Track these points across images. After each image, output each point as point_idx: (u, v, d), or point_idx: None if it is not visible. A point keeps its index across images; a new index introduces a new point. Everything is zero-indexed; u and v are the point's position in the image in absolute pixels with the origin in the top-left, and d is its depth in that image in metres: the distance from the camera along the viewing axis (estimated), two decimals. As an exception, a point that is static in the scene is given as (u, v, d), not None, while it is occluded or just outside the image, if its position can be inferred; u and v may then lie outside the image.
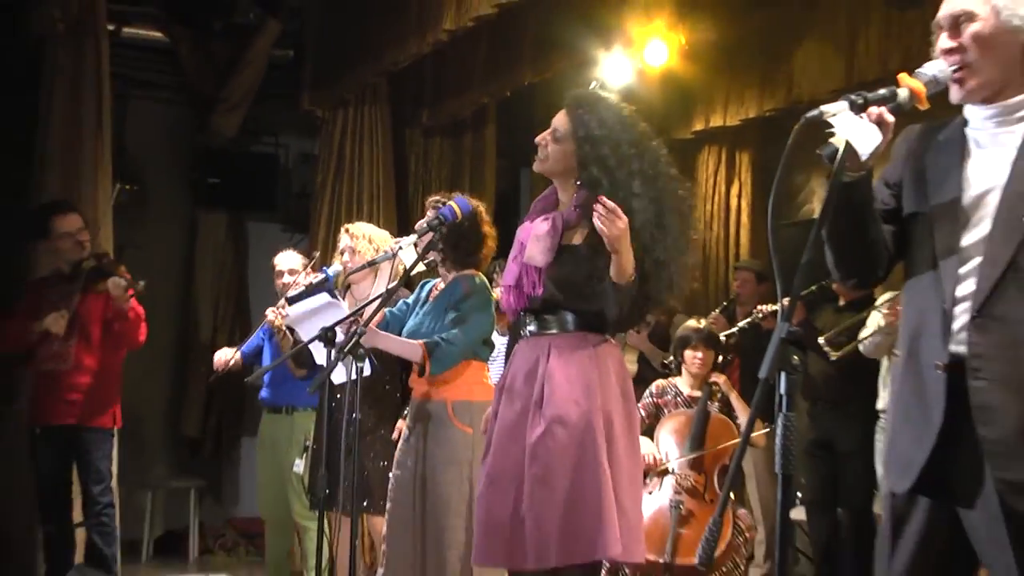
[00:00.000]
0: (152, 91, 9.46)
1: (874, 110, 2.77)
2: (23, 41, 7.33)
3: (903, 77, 2.87)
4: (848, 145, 2.78)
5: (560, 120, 4.25)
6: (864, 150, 2.79)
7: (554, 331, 4.22)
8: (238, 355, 6.62)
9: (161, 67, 9.24)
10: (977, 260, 2.84)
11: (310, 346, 5.20)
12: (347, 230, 6.00)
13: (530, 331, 4.28)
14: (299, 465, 6.38)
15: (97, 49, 7.29)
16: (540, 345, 4.21)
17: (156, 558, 8.90)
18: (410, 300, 5.40)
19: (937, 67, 2.90)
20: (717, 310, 8.22)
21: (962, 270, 2.88)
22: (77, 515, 6.56)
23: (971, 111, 3.02)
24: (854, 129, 2.79)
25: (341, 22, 8.47)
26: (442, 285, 5.28)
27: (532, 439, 4.08)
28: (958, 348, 2.84)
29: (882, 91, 2.85)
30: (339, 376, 5.09)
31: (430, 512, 5.04)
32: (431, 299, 5.22)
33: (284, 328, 6.30)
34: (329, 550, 5.46)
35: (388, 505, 5.23)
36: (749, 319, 7.15)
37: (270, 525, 6.80)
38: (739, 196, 9.91)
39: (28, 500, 6.54)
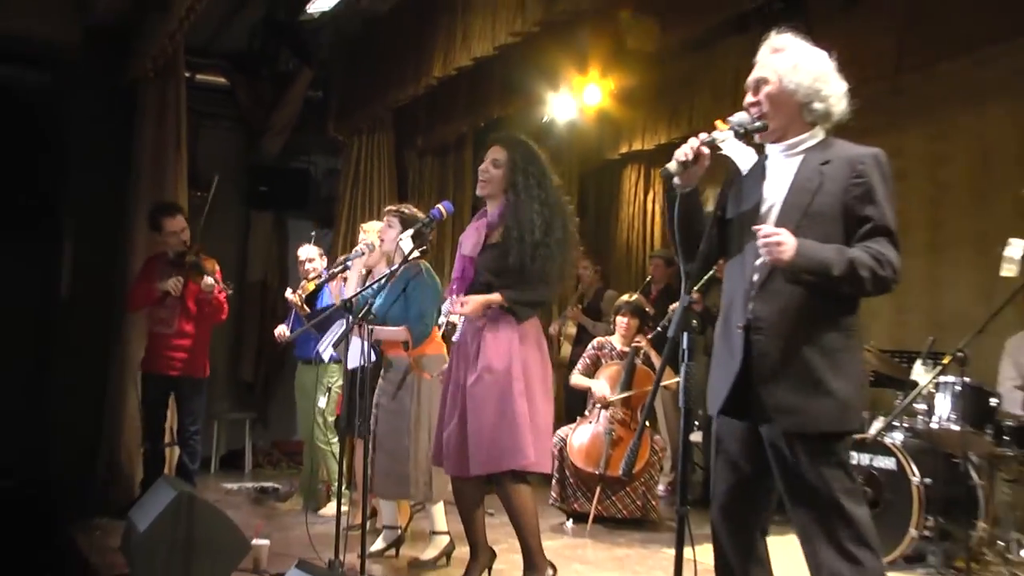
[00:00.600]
0: (217, 122, 9.44)
1: (694, 144, 3.01)
2: (123, 84, 7.36)
3: (719, 123, 3.10)
4: (680, 166, 3.00)
5: (498, 152, 4.49)
6: (744, 166, 3.10)
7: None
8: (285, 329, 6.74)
9: (224, 104, 9.23)
10: None
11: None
12: (363, 228, 6.16)
13: None
14: (323, 402, 6.45)
15: (177, 90, 7.34)
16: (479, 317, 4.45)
17: (221, 471, 8.91)
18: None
19: (742, 116, 3.11)
20: (639, 290, 8.30)
21: (757, 262, 3.05)
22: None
23: (769, 147, 3.22)
24: (738, 150, 3.07)
25: (358, 71, 8.49)
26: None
27: (469, 383, 4.36)
28: (750, 315, 3.04)
29: (757, 123, 3.10)
30: (353, 361, 5.17)
31: (396, 436, 5.19)
32: (389, 284, 5.29)
33: (301, 303, 6.57)
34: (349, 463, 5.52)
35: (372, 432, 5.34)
36: (667, 317, 7.16)
37: (307, 446, 6.84)
38: (654, 202, 9.93)
39: (132, 426, 6.58)
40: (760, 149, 3.25)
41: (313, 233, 7.72)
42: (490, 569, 4.62)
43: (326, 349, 5.81)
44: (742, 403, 3.08)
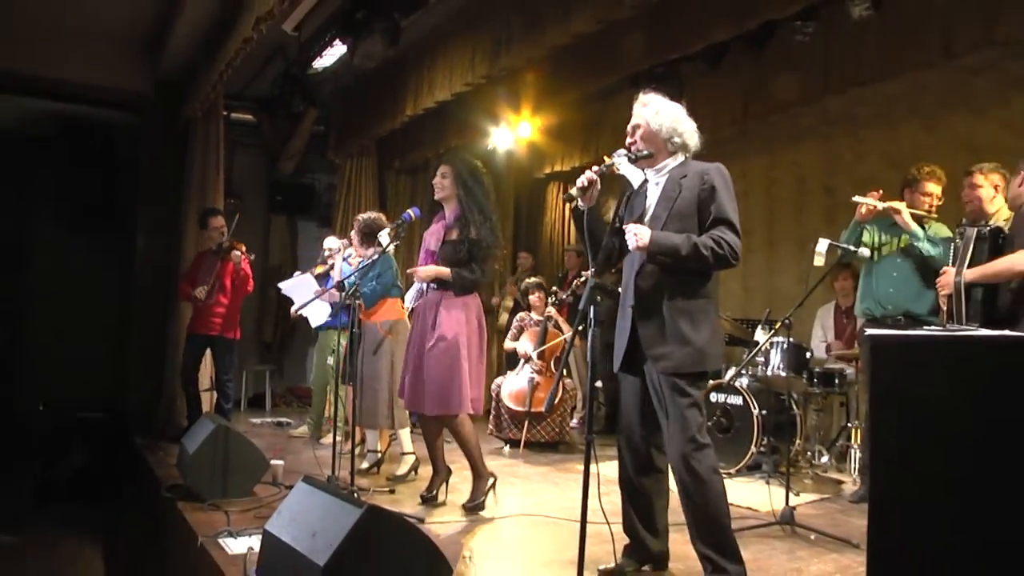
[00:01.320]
0: (247, 148, 9.35)
1: (588, 175, 3.09)
2: (180, 122, 7.42)
3: (605, 157, 3.19)
4: (579, 191, 3.08)
5: (445, 168, 4.43)
6: (635, 182, 3.18)
7: (444, 288, 4.37)
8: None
9: (252, 135, 9.15)
10: None
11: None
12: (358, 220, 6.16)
13: (431, 288, 4.41)
14: (331, 360, 6.45)
15: (218, 125, 7.33)
16: (436, 296, 4.38)
17: (248, 409, 8.84)
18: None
19: (623, 151, 3.21)
20: (559, 275, 8.39)
21: (639, 256, 3.14)
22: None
23: (647, 172, 3.30)
24: (631, 171, 3.19)
25: (350, 111, 8.44)
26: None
27: (428, 346, 4.29)
28: (634, 293, 3.14)
29: (644, 152, 3.20)
30: (315, 320, 5.98)
31: (370, 381, 5.20)
32: (371, 266, 5.31)
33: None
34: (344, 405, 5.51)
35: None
36: (572, 288, 7.24)
37: (315, 391, 6.85)
38: (570, 210, 9.95)
39: (178, 375, 6.60)
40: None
41: (325, 231, 7.77)
42: (447, 482, 4.63)
43: (297, 308, 6.13)
44: (632, 362, 3.18)
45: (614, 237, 3.28)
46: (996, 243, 3.78)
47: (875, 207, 4.52)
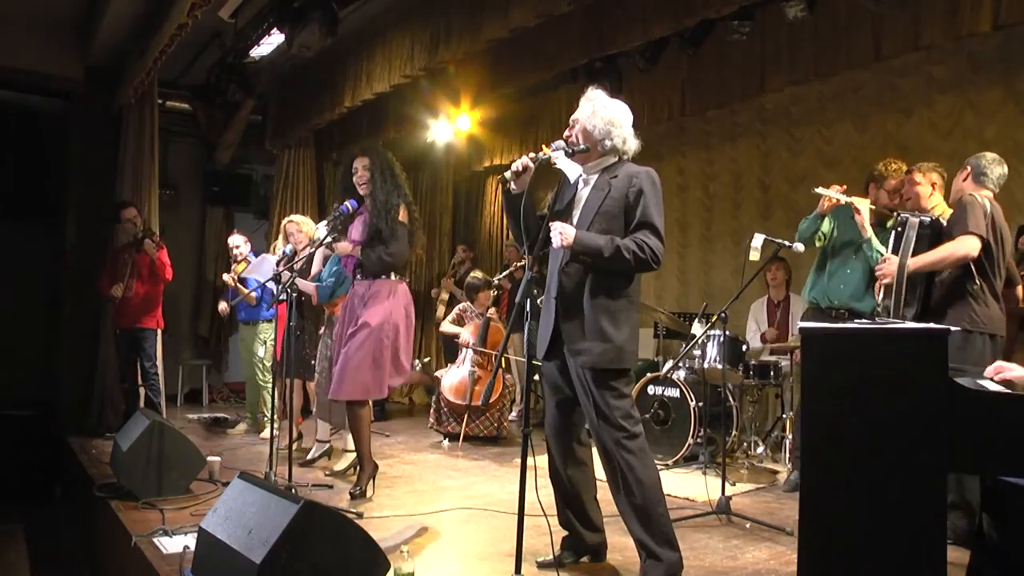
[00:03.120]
0: (182, 138, 9.21)
1: (524, 160, 3.13)
2: (112, 109, 7.29)
3: (544, 146, 3.21)
4: (513, 175, 3.14)
5: (363, 161, 4.47)
6: (572, 176, 3.19)
7: (370, 278, 4.42)
8: (223, 305, 6.68)
9: (187, 124, 8.97)
10: None
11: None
12: (291, 219, 6.09)
13: (358, 276, 4.48)
14: (261, 351, 6.42)
15: (152, 113, 7.21)
16: (363, 284, 4.45)
17: (185, 404, 8.68)
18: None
19: (560, 143, 3.23)
20: (500, 269, 8.39)
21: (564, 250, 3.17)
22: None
23: (583, 167, 3.31)
24: (567, 164, 3.19)
25: (288, 101, 8.33)
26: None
27: (348, 333, 4.36)
28: (558, 287, 3.19)
29: (581, 147, 3.20)
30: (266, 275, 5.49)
31: (326, 374, 5.13)
32: (327, 259, 5.39)
33: (235, 282, 6.53)
34: (282, 400, 5.44)
35: (317, 370, 5.35)
36: (509, 270, 7.27)
37: (247, 385, 6.76)
38: (502, 192, 9.98)
39: (115, 370, 6.56)
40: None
41: (263, 222, 7.65)
42: (374, 478, 4.61)
43: (260, 275, 6.01)
44: (556, 350, 3.22)
45: (539, 223, 3.32)
46: (937, 233, 3.89)
47: (837, 200, 4.54)
